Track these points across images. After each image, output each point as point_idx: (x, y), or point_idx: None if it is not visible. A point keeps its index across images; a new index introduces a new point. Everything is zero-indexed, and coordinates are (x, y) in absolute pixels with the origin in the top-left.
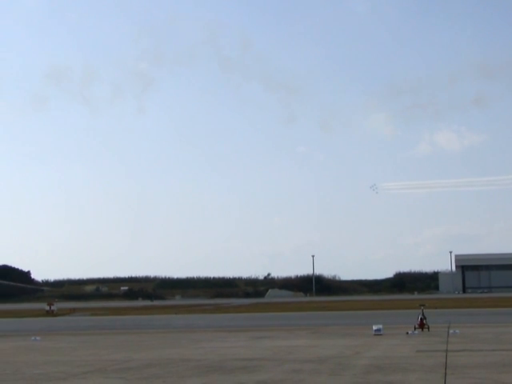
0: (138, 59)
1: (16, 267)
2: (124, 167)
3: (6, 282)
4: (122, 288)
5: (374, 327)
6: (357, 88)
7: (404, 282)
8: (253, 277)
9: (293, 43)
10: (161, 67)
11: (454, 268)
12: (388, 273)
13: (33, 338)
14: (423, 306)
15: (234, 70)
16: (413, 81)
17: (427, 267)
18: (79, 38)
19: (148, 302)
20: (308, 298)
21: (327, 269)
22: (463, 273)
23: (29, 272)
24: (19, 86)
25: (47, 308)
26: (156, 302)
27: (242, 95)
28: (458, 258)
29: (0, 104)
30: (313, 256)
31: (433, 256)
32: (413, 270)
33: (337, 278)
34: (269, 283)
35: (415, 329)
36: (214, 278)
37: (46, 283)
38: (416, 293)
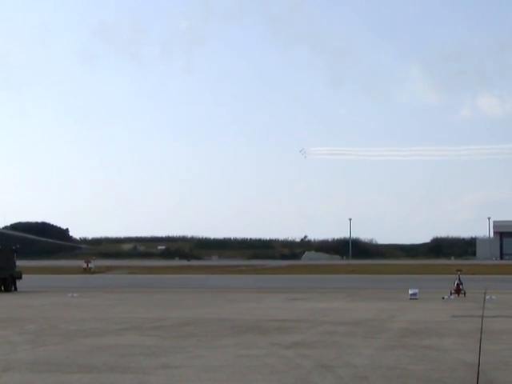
0: (187, 15)
1: (54, 224)
2: (167, 125)
3: (44, 239)
4: (159, 247)
5: (410, 291)
6: (402, 53)
7: (441, 247)
8: (289, 239)
9: (341, 5)
10: (209, 24)
11: (491, 234)
12: (425, 237)
13: (70, 294)
14: (460, 271)
15: (282, 30)
16: (459, 47)
17: (465, 233)
18: None
19: (185, 262)
20: (344, 261)
21: (364, 232)
22: (501, 239)
23: (67, 229)
24: (67, 42)
25: (84, 265)
26: (193, 262)
27: (289, 56)
28: (497, 224)
29: (48, 61)
30: (350, 219)
31: (471, 222)
32: (450, 236)
33: (373, 242)
34: (305, 245)
35: (451, 294)
36: (250, 239)
37: (84, 241)
38: (453, 258)
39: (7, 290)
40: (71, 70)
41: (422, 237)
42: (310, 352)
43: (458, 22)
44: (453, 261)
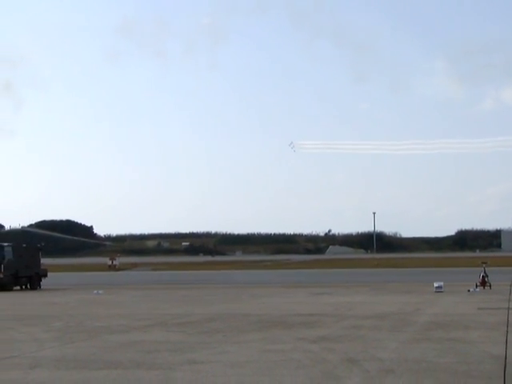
0: (210, 11)
1: (79, 222)
2: (190, 122)
3: (69, 237)
4: (183, 243)
5: (435, 284)
6: (426, 47)
7: (466, 240)
8: (313, 233)
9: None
10: (232, 19)
11: None
12: (450, 230)
13: (95, 291)
14: (485, 263)
15: (305, 25)
16: (483, 40)
17: (490, 225)
18: None
19: (209, 258)
20: (369, 255)
21: (388, 226)
22: None
23: (91, 227)
24: (91, 40)
25: (109, 262)
26: (217, 258)
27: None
28: None
29: (73, 59)
30: (374, 213)
31: (495, 214)
32: (475, 228)
33: (398, 235)
34: (329, 240)
35: (477, 286)
36: (274, 234)
37: (109, 238)
38: (478, 251)
39: (33, 287)
40: (95, 67)
41: (447, 229)
42: (336, 346)
43: (482, 15)
44: (478, 253)
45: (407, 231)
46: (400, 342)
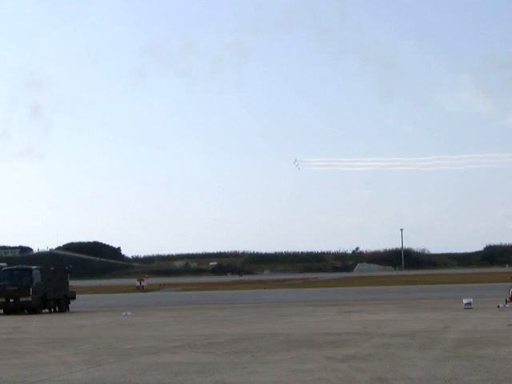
0: (235, 29)
1: (107, 244)
2: (216, 141)
3: (97, 259)
4: (210, 263)
5: (465, 301)
6: (451, 62)
7: (495, 255)
8: (341, 251)
9: (389, 16)
10: (258, 37)
11: None
12: (478, 246)
13: (124, 313)
14: None
15: (331, 41)
16: (508, 54)
17: None
18: (176, 10)
19: (237, 277)
20: (397, 272)
21: (416, 242)
22: None
23: (119, 248)
24: (117, 61)
25: (138, 284)
26: (245, 277)
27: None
28: None
29: (99, 80)
30: (401, 229)
31: None
32: (504, 243)
33: (426, 252)
34: (357, 257)
35: (506, 302)
36: (302, 252)
37: (136, 259)
38: (507, 266)
39: (61, 310)
40: (122, 88)
41: (475, 245)
42: (365, 365)
43: (506, 28)
44: (507, 268)
45: (435, 247)
46: (429, 359)
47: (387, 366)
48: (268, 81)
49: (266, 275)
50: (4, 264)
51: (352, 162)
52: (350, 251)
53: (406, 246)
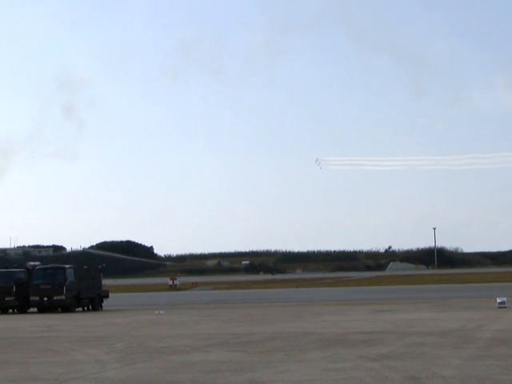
0: (267, 28)
1: (139, 243)
2: (249, 140)
3: (130, 258)
4: (243, 262)
5: (498, 300)
6: (485, 60)
7: None
8: (373, 250)
9: (422, 14)
10: (290, 36)
11: None
12: None
13: (157, 311)
14: None
15: (363, 40)
16: None
17: None
18: (208, 10)
19: (269, 276)
20: (430, 271)
21: (449, 241)
22: None
23: (152, 247)
24: (149, 61)
25: (170, 282)
26: (277, 276)
27: (369, 66)
28: None
29: (131, 80)
30: (434, 228)
31: None
32: None
33: (459, 251)
34: (390, 256)
35: None
36: (334, 251)
37: (169, 258)
38: None
39: (95, 309)
40: (153, 87)
41: (509, 243)
42: (398, 364)
43: None
44: None
45: (468, 246)
46: (463, 359)
47: (420, 365)
48: (299, 80)
49: (298, 274)
50: (38, 263)
51: (384, 161)
52: (382, 250)
53: (439, 244)
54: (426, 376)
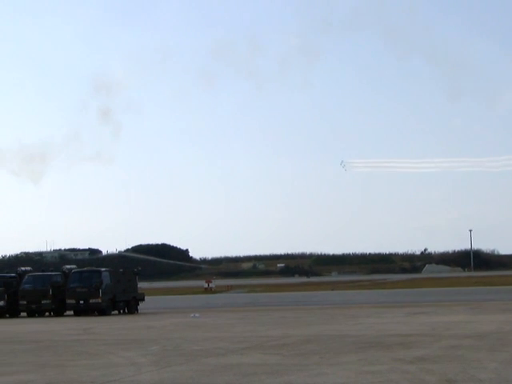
0: (302, 30)
1: (175, 246)
2: (284, 142)
3: (165, 261)
4: (278, 265)
5: None
6: None
7: None
8: (409, 252)
9: (458, 14)
10: (325, 38)
11: None
12: None
13: (192, 314)
14: None
15: (398, 41)
16: None
17: None
18: (243, 12)
19: (304, 279)
20: (466, 273)
21: (485, 243)
22: None
23: (187, 250)
24: (186, 62)
25: (205, 285)
26: (312, 279)
27: (405, 67)
28: None
29: (166, 83)
30: (470, 230)
31: None
32: None
33: (495, 253)
34: (425, 258)
35: None
36: (370, 253)
37: (204, 261)
38: None
39: (130, 312)
40: (189, 90)
41: None
42: (434, 367)
43: None
44: None
45: (505, 248)
46: (499, 362)
47: (456, 368)
48: (334, 81)
49: (334, 276)
50: (74, 266)
51: (419, 163)
52: (418, 252)
53: (476, 246)
54: (463, 379)
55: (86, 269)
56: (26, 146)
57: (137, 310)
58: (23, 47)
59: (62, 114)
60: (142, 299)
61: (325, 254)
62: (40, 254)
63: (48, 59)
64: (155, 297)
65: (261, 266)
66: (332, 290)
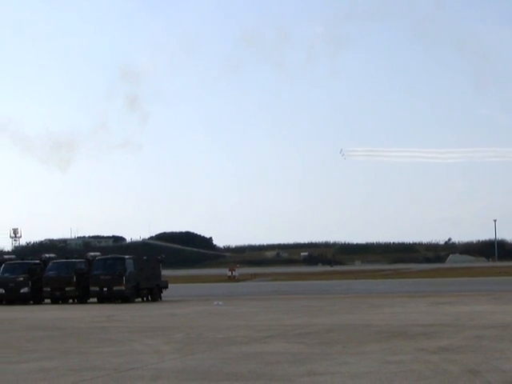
0: (329, 18)
1: (199, 234)
2: (310, 132)
3: (189, 248)
4: (301, 253)
5: None
6: None
7: None
8: (433, 242)
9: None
10: (352, 26)
11: None
12: None
13: (215, 302)
14: None
15: (425, 31)
16: None
17: None
18: (269, 0)
19: (328, 268)
20: (490, 263)
21: (510, 233)
22: None
23: (211, 238)
24: (212, 51)
25: (229, 273)
26: (336, 268)
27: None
28: None
29: (193, 71)
30: (495, 220)
31: None
32: None
33: None
34: (449, 248)
35: None
36: (393, 243)
37: (228, 249)
38: None
39: (154, 299)
40: (216, 79)
41: None
42: (457, 357)
43: None
44: None
45: None
46: None
47: (480, 359)
48: (360, 70)
49: (357, 266)
50: (98, 253)
51: (444, 153)
52: (442, 242)
53: (500, 237)
54: (486, 369)
55: (109, 256)
56: (54, 134)
57: (160, 298)
58: (51, 36)
59: (89, 102)
60: (166, 287)
61: (348, 243)
62: (64, 241)
63: (76, 48)
64: (179, 284)
65: (284, 255)
66: (355, 279)
